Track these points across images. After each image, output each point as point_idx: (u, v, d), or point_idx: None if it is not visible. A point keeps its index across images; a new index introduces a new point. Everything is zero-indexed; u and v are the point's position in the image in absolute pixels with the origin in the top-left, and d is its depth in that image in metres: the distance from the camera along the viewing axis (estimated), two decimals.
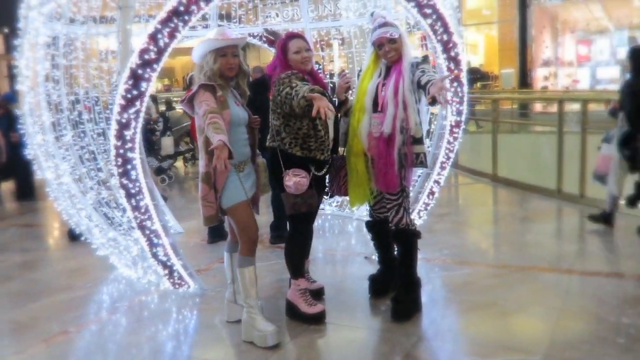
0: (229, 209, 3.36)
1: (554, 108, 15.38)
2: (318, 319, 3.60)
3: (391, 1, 5.99)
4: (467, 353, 3.16)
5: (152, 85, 3.53)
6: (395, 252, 3.88)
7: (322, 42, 6.66)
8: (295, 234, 3.63)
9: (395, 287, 3.78)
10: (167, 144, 10.86)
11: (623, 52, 21.80)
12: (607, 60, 21.94)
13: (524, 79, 17.29)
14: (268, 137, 3.59)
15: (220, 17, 6.84)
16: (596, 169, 5.40)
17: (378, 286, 3.99)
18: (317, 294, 3.93)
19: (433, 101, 3.20)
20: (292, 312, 3.67)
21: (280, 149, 3.45)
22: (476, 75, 18.03)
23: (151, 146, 10.71)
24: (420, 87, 3.37)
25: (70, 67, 4.57)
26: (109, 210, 4.34)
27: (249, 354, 3.31)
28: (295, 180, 3.35)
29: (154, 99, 10.96)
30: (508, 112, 13.94)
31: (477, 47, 20.93)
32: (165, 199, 6.37)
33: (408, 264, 3.69)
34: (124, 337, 3.67)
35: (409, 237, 3.68)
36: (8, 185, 9.26)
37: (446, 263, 4.61)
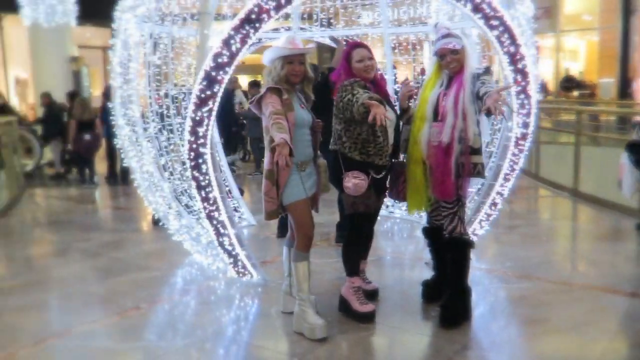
0: (289, 206, 3.56)
1: None
2: (368, 318, 3.74)
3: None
4: None
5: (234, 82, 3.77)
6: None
7: (400, 47, 6.72)
8: (353, 233, 3.79)
9: (446, 293, 3.84)
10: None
11: None
12: None
13: (624, 90, 16.32)
14: (331, 140, 3.76)
15: (303, 19, 7.07)
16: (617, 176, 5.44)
17: (431, 291, 4.06)
18: (371, 295, 4.05)
19: (488, 112, 3.25)
20: (345, 308, 3.82)
21: (341, 152, 3.62)
22: (571, 84, 17.28)
23: (238, 140, 11.24)
24: (479, 98, 3.41)
25: (160, 64, 4.98)
26: (186, 199, 4.68)
27: (298, 344, 3.50)
28: (354, 182, 3.51)
29: (245, 94, 11.44)
30: (604, 124, 13.32)
31: (578, 54, 19.99)
32: (242, 192, 6.71)
33: (458, 272, 3.75)
34: (191, 317, 3.98)
35: (461, 246, 3.73)
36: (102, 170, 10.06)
37: (506, 275, 4.58)
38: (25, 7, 11.31)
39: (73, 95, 10.04)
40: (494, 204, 4.54)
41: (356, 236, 3.78)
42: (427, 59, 8.87)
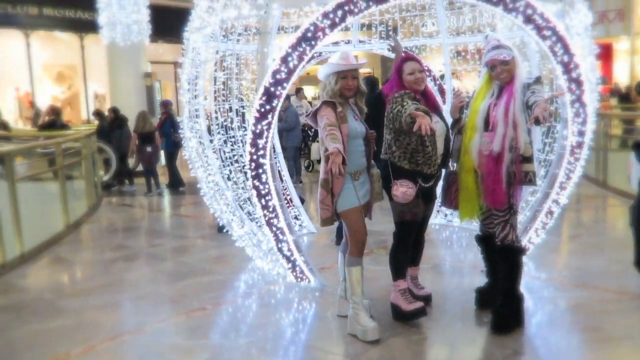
0: (343, 213, 3.74)
1: None
2: (417, 314, 3.86)
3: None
4: None
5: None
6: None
7: (459, 57, 6.78)
8: (399, 239, 3.91)
9: (498, 300, 3.90)
10: (314, 149, 11.60)
11: None
12: None
13: None
14: (382, 149, 3.92)
15: (362, 27, 7.26)
16: None
17: (484, 298, 4.12)
18: (425, 300, 4.14)
19: (537, 121, 3.31)
20: (396, 312, 3.94)
21: (391, 161, 3.77)
22: None
23: (303, 151, 11.60)
24: (528, 107, 3.47)
25: (226, 80, 5.29)
26: (249, 206, 4.95)
27: (352, 345, 3.66)
28: (402, 191, 3.64)
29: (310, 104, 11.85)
30: None
31: None
32: (302, 200, 6.94)
33: (511, 279, 3.79)
34: (253, 319, 4.22)
35: (513, 253, 3.78)
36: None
37: (563, 284, 4.56)
38: (104, 27, 12.13)
39: (115, 112, 10.79)
40: (550, 212, 4.55)
41: (402, 243, 3.90)
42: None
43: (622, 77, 17.60)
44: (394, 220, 3.90)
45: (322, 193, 3.75)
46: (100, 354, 3.72)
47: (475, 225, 6.27)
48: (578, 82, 4.08)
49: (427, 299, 4.18)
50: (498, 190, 3.69)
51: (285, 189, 6.35)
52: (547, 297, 4.34)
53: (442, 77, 7.24)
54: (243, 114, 5.38)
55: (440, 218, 6.80)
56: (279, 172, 5.18)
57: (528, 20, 3.90)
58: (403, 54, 3.93)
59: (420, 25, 7.71)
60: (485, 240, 4.13)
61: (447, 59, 6.79)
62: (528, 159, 3.72)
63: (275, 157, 4.66)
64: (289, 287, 4.74)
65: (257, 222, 5.07)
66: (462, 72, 7.04)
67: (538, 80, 3.72)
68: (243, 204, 5.22)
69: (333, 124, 3.57)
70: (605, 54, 16.80)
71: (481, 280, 4.60)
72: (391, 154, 3.77)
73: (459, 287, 4.67)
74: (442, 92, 6.87)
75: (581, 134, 4.26)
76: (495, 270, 4.14)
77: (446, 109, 6.67)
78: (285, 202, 5.42)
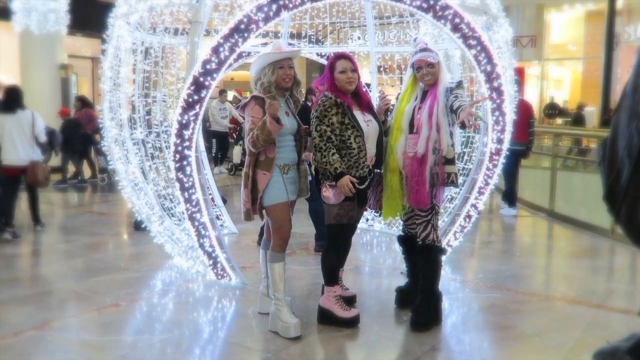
0: (269, 207, 3.69)
1: None
2: (353, 322, 3.83)
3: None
4: None
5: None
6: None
7: (386, 67, 6.93)
8: (333, 243, 3.87)
9: (418, 298, 3.97)
10: (235, 152, 11.46)
11: None
12: None
13: (606, 119, 16.74)
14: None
15: (292, 35, 7.27)
16: None
17: (404, 297, 4.19)
18: (349, 301, 4.12)
19: (463, 125, 3.43)
20: (326, 318, 3.86)
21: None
22: (554, 110, 17.66)
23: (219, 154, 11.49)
24: (453, 111, 3.58)
25: (150, 71, 5.11)
26: (168, 202, 4.79)
27: (272, 342, 3.61)
28: (333, 191, 3.63)
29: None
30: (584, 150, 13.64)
31: (563, 82, 20.46)
32: (224, 201, 6.82)
33: (430, 277, 3.88)
34: (169, 317, 4.06)
35: (433, 253, 3.88)
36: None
37: (478, 286, 4.72)
38: (17, 13, 11.43)
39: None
40: (469, 216, 4.70)
41: (336, 246, 3.87)
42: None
43: (532, 100, 18.67)
44: (327, 223, 3.86)
45: (242, 186, 3.70)
46: (3, 350, 3.45)
47: (396, 230, 6.44)
48: (499, 92, 4.27)
49: (351, 300, 4.18)
50: (422, 191, 3.77)
51: (208, 187, 6.20)
52: (464, 297, 4.48)
53: (368, 85, 7.38)
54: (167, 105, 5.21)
55: (362, 222, 6.88)
56: None
57: (455, 28, 4.04)
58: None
59: (348, 35, 7.84)
60: (406, 241, 4.21)
61: (374, 68, 6.93)
62: (450, 161, 3.83)
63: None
64: (208, 285, 4.62)
65: (177, 219, 4.91)
66: (387, 80, 7.18)
67: (460, 85, 3.85)
68: (163, 200, 5.04)
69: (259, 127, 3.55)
70: (518, 77, 17.78)
71: (400, 281, 4.70)
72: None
73: (379, 287, 4.74)
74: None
75: (500, 141, 4.45)
76: (415, 270, 4.22)
77: None
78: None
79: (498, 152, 4.50)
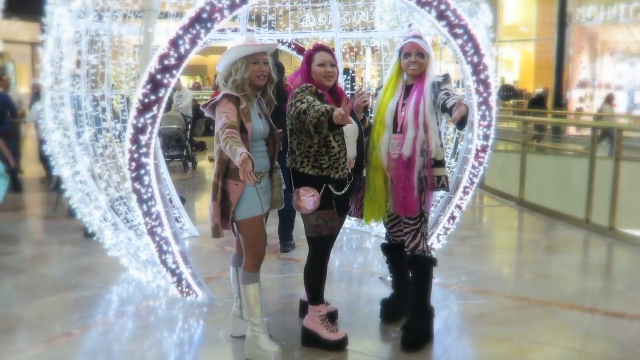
0: (242, 222, 3.26)
1: (587, 131, 15.07)
2: (341, 345, 3.44)
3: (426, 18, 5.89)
4: None
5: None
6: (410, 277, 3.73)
7: (352, 53, 6.54)
8: (315, 257, 3.46)
9: (408, 314, 3.64)
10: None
11: None
12: None
13: (559, 100, 16.91)
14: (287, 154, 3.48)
15: (251, 21, 6.78)
16: None
17: (390, 311, 3.86)
18: (331, 317, 3.73)
19: (460, 124, 3.08)
20: (311, 340, 3.47)
21: (292, 167, 3.34)
22: (509, 92, 17.73)
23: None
24: (446, 110, 3.22)
25: (96, 64, 4.54)
26: (124, 211, 4.29)
27: None
28: (304, 199, 3.23)
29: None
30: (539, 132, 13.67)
31: (513, 63, 20.58)
32: (183, 200, 6.33)
33: (422, 291, 3.55)
34: (129, 342, 3.61)
35: (424, 265, 3.54)
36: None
37: (463, 290, 4.45)
38: None
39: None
40: (453, 217, 4.40)
41: (319, 261, 3.46)
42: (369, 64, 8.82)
43: None
44: (307, 236, 3.46)
45: (210, 198, 3.25)
46: None
47: (366, 227, 6.11)
48: (486, 84, 3.95)
49: (333, 316, 3.81)
50: (409, 197, 3.42)
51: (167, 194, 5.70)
52: (451, 305, 4.19)
53: None
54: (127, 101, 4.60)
55: None
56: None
57: (441, 16, 3.67)
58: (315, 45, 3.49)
59: (301, 19, 7.38)
60: (391, 249, 3.87)
61: (339, 54, 6.52)
62: (440, 163, 3.49)
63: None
64: (171, 302, 4.16)
65: (135, 229, 4.42)
66: (353, 67, 6.80)
67: (447, 79, 3.48)
68: (117, 206, 4.52)
69: (233, 125, 3.05)
70: None
71: (379, 288, 4.40)
72: (293, 160, 3.35)
73: (359, 297, 4.38)
74: None
75: (486, 137, 4.14)
76: (400, 280, 3.90)
77: None
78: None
79: (484, 149, 4.20)
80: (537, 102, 15.66)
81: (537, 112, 14.53)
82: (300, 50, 6.57)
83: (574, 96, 18.55)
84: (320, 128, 2.97)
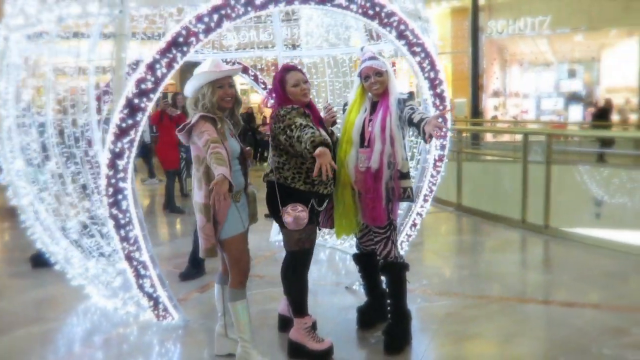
0: (227, 240, 3.33)
1: (504, 137, 16.00)
2: (328, 354, 3.56)
3: (355, 34, 6.21)
4: None
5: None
6: (383, 284, 3.91)
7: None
8: (297, 269, 3.57)
9: (384, 320, 3.83)
10: None
11: (565, 85, 23.06)
12: (550, 92, 23.06)
13: (476, 109, 17.87)
14: (267, 169, 3.58)
15: None
16: None
17: (366, 318, 4.02)
18: (312, 328, 3.85)
19: (430, 137, 3.30)
20: (298, 352, 3.57)
21: (280, 183, 3.44)
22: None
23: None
24: (412, 124, 3.43)
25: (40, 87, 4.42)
26: (92, 239, 4.19)
27: None
28: (295, 215, 3.34)
29: None
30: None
31: None
32: (182, 211, 6.21)
33: (398, 296, 3.74)
34: None
35: (397, 270, 3.73)
36: None
37: (426, 293, 4.68)
38: None
39: None
40: (414, 224, 4.64)
41: (301, 273, 3.58)
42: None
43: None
44: (288, 250, 3.56)
45: (202, 220, 3.30)
46: None
47: (321, 240, 6.25)
48: (442, 97, 4.23)
49: (314, 327, 3.92)
50: (378, 207, 3.61)
51: None
52: (419, 309, 4.39)
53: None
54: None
55: (280, 235, 6.60)
56: None
57: (400, 35, 3.92)
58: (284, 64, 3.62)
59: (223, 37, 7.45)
60: (363, 259, 4.04)
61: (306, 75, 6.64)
62: (405, 175, 3.70)
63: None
64: (144, 328, 4.11)
65: (108, 256, 4.31)
66: None
67: (411, 96, 3.72)
68: (83, 234, 4.40)
69: (216, 140, 3.15)
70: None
71: (347, 298, 4.59)
72: (280, 176, 3.45)
73: (331, 307, 4.50)
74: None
75: (442, 147, 4.42)
76: (373, 288, 4.08)
77: None
78: None
79: (441, 158, 4.48)
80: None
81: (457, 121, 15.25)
82: (244, 69, 6.64)
83: (488, 105, 19.68)
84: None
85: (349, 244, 5.42)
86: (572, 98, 22.43)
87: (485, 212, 7.51)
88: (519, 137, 13.35)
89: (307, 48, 6.70)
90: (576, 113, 21.40)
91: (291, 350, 3.59)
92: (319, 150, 2.99)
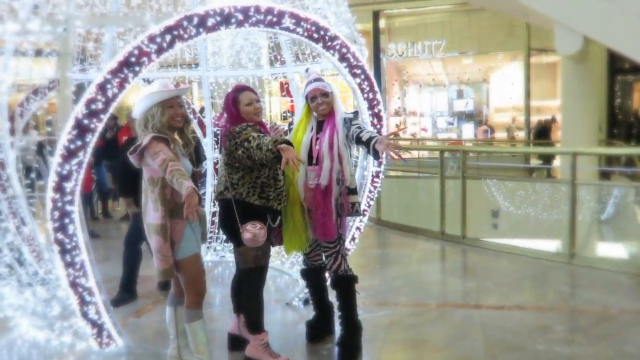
0: (183, 260, 3.32)
1: (412, 155, 16.75)
2: None
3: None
4: None
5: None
6: (330, 298, 4.04)
7: (219, 91, 6.71)
8: (253, 287, 3.61)
9: (331, 333, 4.05)
10: None
11: (456, 105, 24.58)
12: (443, 110, 24.50)
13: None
14: (219, 189, 3.60)
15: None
16: None
17: (315, 332, 4.11)
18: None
19: (377, 156, 3.49)
20: None
21: (237, 199, 3.47)
22: None
23: None
24: (361, 142, 3.60)
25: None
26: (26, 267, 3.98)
27: None
28: (254, 232, 3.39)
29: None
30: None
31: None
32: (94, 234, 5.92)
33: (349, 308, 3.87)
34: None
35: (348, 283, 3.87)
36: None
37: (366, 305, 4.83)
38: None
39: None
40: (353, 238, 4.80)
41: (257, 290, 3.63)
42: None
43: None
44: (243, 267, 3.60)
45: (159, 241, 3.26)
46: None
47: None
48: (379, 117, 4.45)
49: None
50: (328, 223, 3.74)
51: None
52: (363, 320, 4.49)
53: (201, 110, 7.10)
54: None
55: (211, 255, 6.55)
56: None
57: (342, 58, 4.10)
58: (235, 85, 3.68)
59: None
60: (311, 274, 4.14)
61: (207, 92, 6.65)
62: (353, 191, 3.87)
63: None
64: (81, 357, 3.93)
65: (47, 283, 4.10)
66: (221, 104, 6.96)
67: (357, 115, 3.91)
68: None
69: (173, 159, 3.15)
70: None
71: (289, 314, 4.70)
72: (235, 192, 3.48)
73: (275, 324, 4.53)
74: (201, 125, 6.71)
75: (380, 163, 4.63)
76: (321, 303, 4.18)
77: (206, 141, 6.57)
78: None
79: (378, 174, 4.69)
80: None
81: None
82: None
83: (391, 123, 20.51)
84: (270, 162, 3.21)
85: (289, 263, 5.50)
86: (463, 117, 23.98)
87: (405, 225, 7.86)
88: (424, 154, 14.07)
89: (213, 68, 6.73)
90: (468, 130, 22.89)
91: None
92: (283, 145, 3.09)
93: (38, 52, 3.94)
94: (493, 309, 4.68)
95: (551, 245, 7.21)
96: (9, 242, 4.32)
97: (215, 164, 6.38)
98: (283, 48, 5.57)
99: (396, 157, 3.32)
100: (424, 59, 20.49)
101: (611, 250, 7.92)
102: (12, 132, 4.76)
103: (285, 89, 6.53)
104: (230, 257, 6.40)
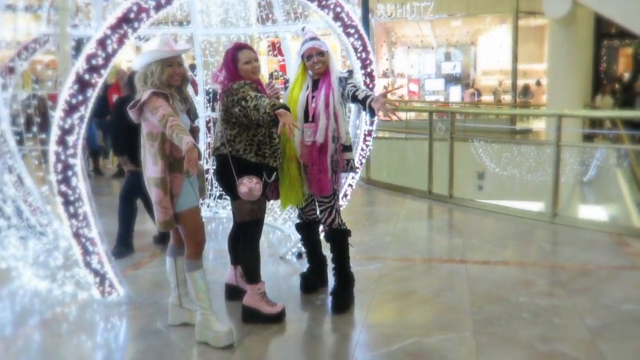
0: (183, 213, 3.44)
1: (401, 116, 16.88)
2: (280, 317, 3.79)
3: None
4: (410, 335, 3.57)
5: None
6: (324, 250, 4.21)
7: (211, 49, 6.72)
8: (250, 239, 3.75)
9: (324, 284, 4.24)
10: None
11: (444, 67, 24.57)
12: (432, 73, 24.53)
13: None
14: (215, 144, 3.70)
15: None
16: None
17: (309, 283, 4.28)
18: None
19: (373, 114, 3.61)
20: (252, 316, 3.75)
21: (233, 155, 3.58)
22: None
23: None
24: (356, 100, 3.71)
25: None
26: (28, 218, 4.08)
27: (210, 354, 3.40)
28: (250, 187, 3.51)
29: None
30: None
31: None
32: None
33: (343, 260, 4.04)
34: (41, 354, 3.49)
35: (341, 236, 4.03)
36: None
37: (357, 259, 4.99)
38: None
39: None
40: (345, 195, 4.94)
41: (254, 243, 3.77)
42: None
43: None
44: (240, 221, 3.73)
45: (159, 194, 3.37)
46: None
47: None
48: (371, 77, 4.54)
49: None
50: (324, 178, 3.87)
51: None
52: (354, 273, 4.70)
53: (192, 68, 7.10)
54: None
55: (205, 211, 6.67)
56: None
57: (337, 17, 4.16)
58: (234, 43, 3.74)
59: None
60: (306, 228, 4.29)
61: (198, 50, 6.66)
62: (348, 148, 4.00)
63: None
64: (83, 306, 4.07)
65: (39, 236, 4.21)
66: (214, 63, 6.98)
67: (351, 74, 4.01)
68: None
69: (173, 114, 3.24)
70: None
71: (282, 266, 4.89)
72: (232, 148, 3.59)
73: (271, 277, 4.70)
74: (193, 84, 6.73)
75: (372, 122, 4.75)
76: (315, 255, 4.34)
77: (198, 99, 6.62)
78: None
79: (370, 133, 4.80)
80: None
81: None
82: None
83: (379, 85, 20.55)
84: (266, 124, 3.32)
85: (282, 219, 5.66)
86: (451, 80, 24.04)
87: (393, 185, 8.03)
88: (411, 115, 14.17)
89: (204, 26, 6.72)
90: (455, 94, 23.00)
91: (245, 315, 3.78)
92: (280, 110, 3.19)
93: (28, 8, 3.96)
94: (478, 264, 4.89)
95: (535, 205, 7.45)
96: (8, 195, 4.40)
97: (208, 122, 6.44)
98: (275, 7, 5.57)
99: (393, 116, 3.44)
100: (412, 21, 20.41)
101: (592, 210, 8.19)
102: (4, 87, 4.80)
103: (277, 48, 6.55)
104: (223, 214, 6.55)
